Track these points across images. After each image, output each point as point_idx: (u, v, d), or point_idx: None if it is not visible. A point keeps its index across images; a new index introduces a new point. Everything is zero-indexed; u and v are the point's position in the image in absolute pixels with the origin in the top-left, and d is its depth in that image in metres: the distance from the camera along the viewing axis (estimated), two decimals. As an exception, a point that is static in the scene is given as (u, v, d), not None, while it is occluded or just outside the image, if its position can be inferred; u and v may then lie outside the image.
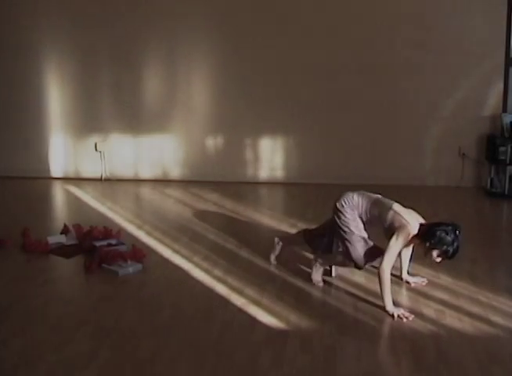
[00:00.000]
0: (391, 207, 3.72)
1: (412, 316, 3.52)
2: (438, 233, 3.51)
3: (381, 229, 3.79)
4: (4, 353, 3.11)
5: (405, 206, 3.83)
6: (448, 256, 3.54)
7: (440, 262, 3.62)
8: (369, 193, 3.98)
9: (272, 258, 4.44)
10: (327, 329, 3.38)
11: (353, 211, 3.88)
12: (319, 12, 6.78)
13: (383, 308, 3.62)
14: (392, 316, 3.52)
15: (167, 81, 7.15)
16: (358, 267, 3.90)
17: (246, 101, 7.05)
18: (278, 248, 4.44)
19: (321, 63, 6.86)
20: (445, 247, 3.51)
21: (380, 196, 3.95)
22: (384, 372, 2.95)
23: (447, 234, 3.51)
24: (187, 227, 5.36)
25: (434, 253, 3.55)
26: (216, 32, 6.94)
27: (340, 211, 3.90)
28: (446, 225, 3.57)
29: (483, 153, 6.82)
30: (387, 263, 3.60)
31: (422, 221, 3.72)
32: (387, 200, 3.86)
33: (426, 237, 3.56)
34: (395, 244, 3.60)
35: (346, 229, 3.85)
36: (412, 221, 3.65)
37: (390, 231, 3.68)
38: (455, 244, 3.52)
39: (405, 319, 3.48)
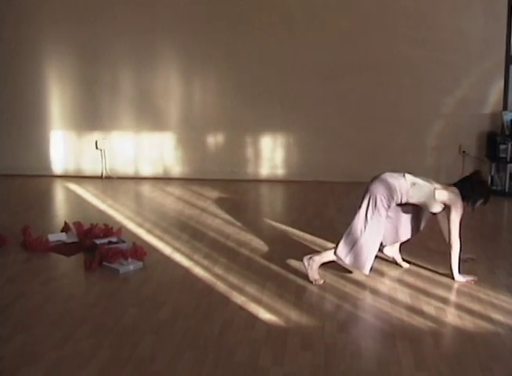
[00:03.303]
0: (434, 187, 3.96)
1: (476, 279, 4.01)
2: (468, 193, 4.00)
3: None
4: (4, 351, 3.11)
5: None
6: (486, 201, 4.10)
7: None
8: (395, 176, 3.99)
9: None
10: (328, 326, 3.39)
11: (391, 204, 3.98)
12: (320, 12, 6.79)
13: (383, 305, 3.63)
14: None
15: (167, 80, 7.15)
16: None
17: (247, 99, 7.05)
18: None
19: (322, 61, 6.86)
20: (481, 198, 4.06)
21: (407, 176, 4.00)
22: (384, 370, 2.95)
23: (473, 190, 4.03)
24: (188, 225, 5.36)
25: (476, 204, 4.08)
26: (216, 31, 6.94)
27: (382, 206, 3.93)
28: (469, 180, 4.08)
29: (483, 150, 6.83)
30: (455, 234, 3.95)
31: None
32: (421, 182, 3.98)
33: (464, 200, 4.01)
34: (456, 216, 3.95)
35: (369, 226, 3.94)
36: (455, 189, 4.00)
37: (444, 208, 4.01)
38: (487, 190, 4.14)
39: (472, 283, 3.98)
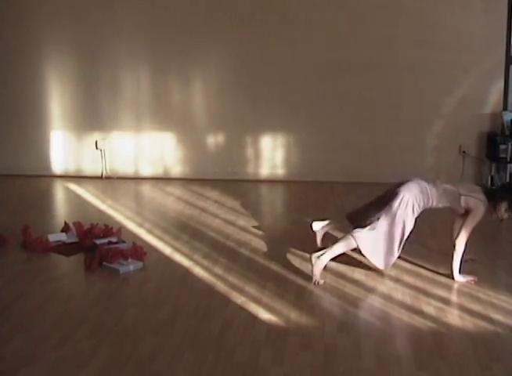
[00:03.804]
0: (460, 194, 4.04)
1: (476, 279, 3.99)
2: (497, 195, 4.06)
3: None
4: (4, 351, 3.11)
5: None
6: None
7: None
8: (428, 182, 4.11)
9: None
10: (328, 326, 3.39)
11: (421, 207, 4.07)
12: (320, 11, 6.77)
13: (383, 305, 3.64)
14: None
15: (167, 79, 7.14)
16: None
17: (247, 99, 7.05)
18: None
19: (322, 61, 6.86)
20: (506, 201, 4.03)
21: (437, 183, 4.12)
22: (384, 370, 2.95)
23: (504, 196, 4.04)
24: (188, 225, 5.36)
25: (501, 209, 4.04)
26: (216, 30, 6.93)
27: (412, 211, 4.02)
28: (505, 187, 4.24)
29: (483, 151, 6.83)
30: (463, 237, 3.98)
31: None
32: (449, 187, 4.09)
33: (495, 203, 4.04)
34: (472, 221, 3.99)
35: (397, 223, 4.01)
36: (481, 196, 4.03)
37: (467, 211, 4.06)
38: None
39: (472, 283, 3.97)
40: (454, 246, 4.00)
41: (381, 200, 4.18)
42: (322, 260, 4.02)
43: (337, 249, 4.06)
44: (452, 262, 4.02)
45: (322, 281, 4.00)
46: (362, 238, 4.00)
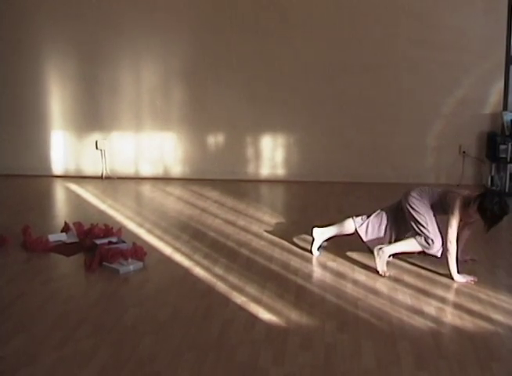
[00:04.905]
0: (448, 191, 4.15)
1: (476, 279, 3.99)
2: (485, 204, 3.87)
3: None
4: (4, 351, 3.11)
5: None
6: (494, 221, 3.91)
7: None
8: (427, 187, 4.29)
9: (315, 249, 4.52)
10: (328, 327, 3.39)
11: (427, 203, 4.16)
12: (320, 11, 6.78)
13: (383, 305, 3.64)
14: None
15: (167, 79, 7.15)
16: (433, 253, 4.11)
17: (247, 99, 7.05)
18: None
19: (322, 61, 6.86)
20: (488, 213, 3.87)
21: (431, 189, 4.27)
22: (384, 370, 2.95)
23: (492, 206, 3.86)
24: (188, 225, 5.36)
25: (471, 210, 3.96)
26: (216, 30, 6.93)
27: (415, 204, 4.14)
28: (490, 197, 3.89)
29: (483, 151, 6.83)
30: (451, 235, 3.95)
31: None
32: (440, 189, 4.25)
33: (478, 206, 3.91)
34: (452, 217, 3.96)
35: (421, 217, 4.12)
36: (464, 192, 4.06)
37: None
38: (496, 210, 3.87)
39: (472, 283, 3.96)
40: (446, 248, 4.01)
41: (396, 219, 4.33)
42: (384, 252, 4.13)
43: (401, 247, 4.18)
44: (448, 263, 4.03)
45: (387, 273, 4.10)
46: (424, 245, 4.10)
